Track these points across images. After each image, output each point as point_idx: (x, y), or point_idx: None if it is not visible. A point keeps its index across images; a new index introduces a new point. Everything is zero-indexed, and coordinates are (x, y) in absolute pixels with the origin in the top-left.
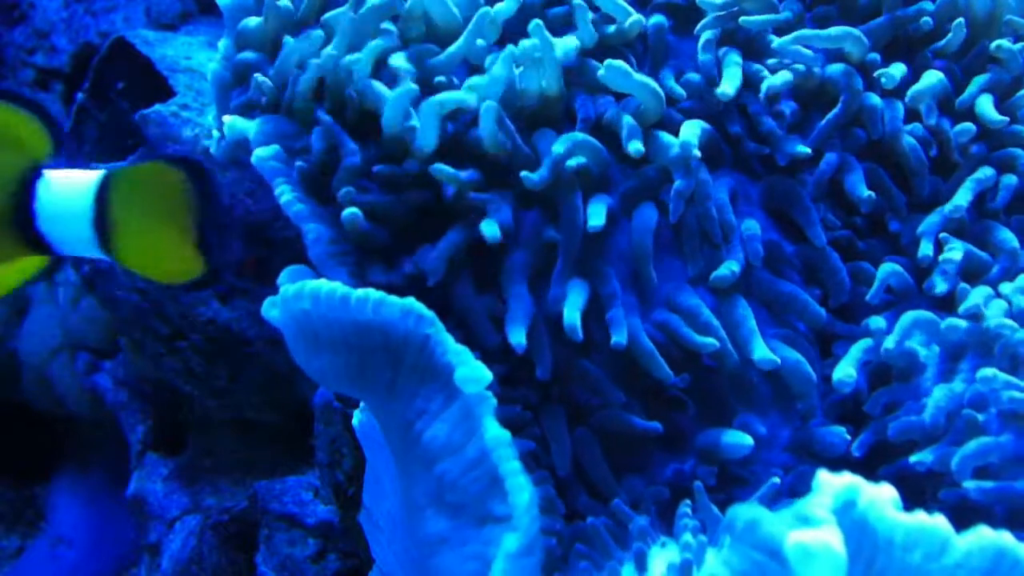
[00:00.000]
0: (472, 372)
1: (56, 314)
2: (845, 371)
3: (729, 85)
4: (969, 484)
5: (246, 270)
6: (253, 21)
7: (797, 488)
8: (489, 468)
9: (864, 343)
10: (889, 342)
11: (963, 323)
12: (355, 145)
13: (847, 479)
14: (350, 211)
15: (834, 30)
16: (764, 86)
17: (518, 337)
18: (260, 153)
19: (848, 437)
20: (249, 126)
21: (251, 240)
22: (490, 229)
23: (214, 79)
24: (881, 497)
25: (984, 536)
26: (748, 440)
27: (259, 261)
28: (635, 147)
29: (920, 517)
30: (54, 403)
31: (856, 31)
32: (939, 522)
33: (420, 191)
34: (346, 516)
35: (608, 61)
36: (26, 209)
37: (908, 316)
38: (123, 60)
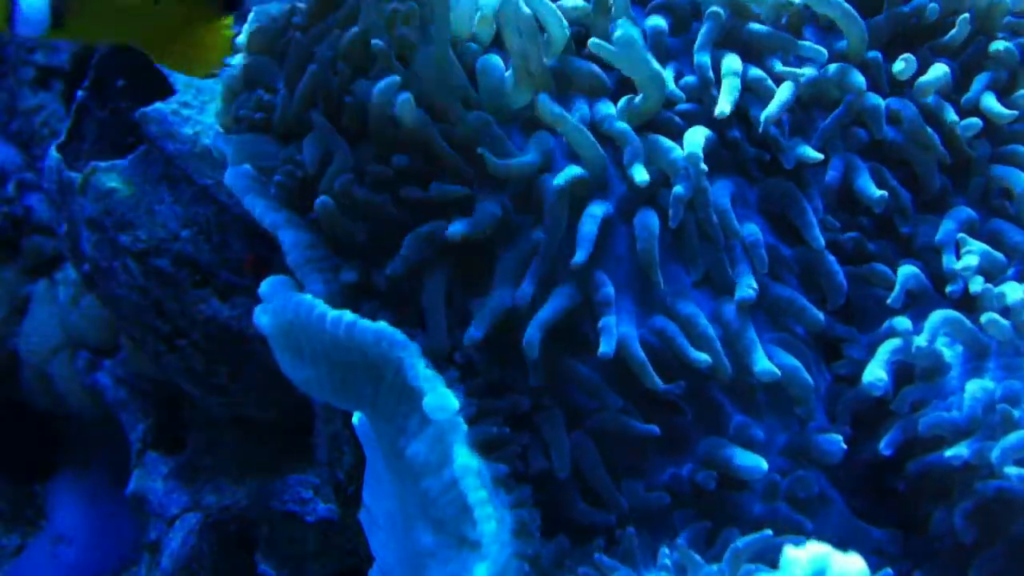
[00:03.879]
0: (439, 401)
1: (56, 313)
2: (875, 374)
3: (726, 103)
4: (1011, 470)
5: (247, 268)
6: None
7: (795, 492)
8: (460, 494)
9: (891, 343)
10: (921, 340)
11: (1002, 319)
12: (347, 148)
13: (815, 550)
14: (322, 199)
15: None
16: (763, 117)
17: (476, 331)
18: (232, 172)
19: (844, 446)
20: (229, 145)
21: (252, 238)
22: (454, 228)
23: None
24: (851, 570)
25: None
26: (763, 464)
27: (260, 259)
28: (640, 177)
29: None
30: (54, 401)
31: (849, 7)
32: None
33: (410, 188)
34: (346, 514)
35: (618, 35)
36: None
37: (937, 315)
38: (123, 58)
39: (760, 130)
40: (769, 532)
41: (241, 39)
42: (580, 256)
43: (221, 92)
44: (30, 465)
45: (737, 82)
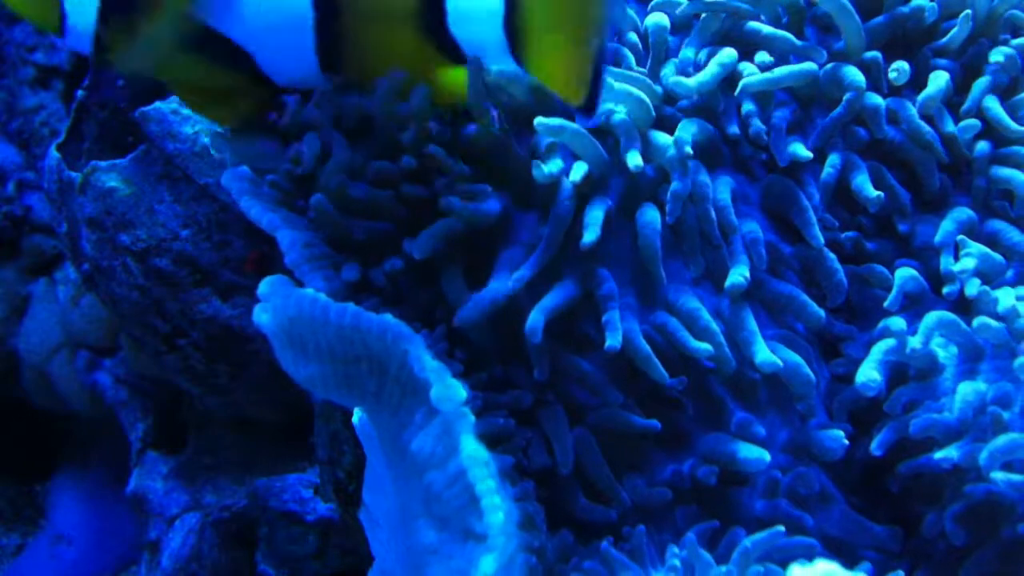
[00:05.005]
0: (446, 391)
1: (56, 312)
2: (868, 375)
3: (694, 80)
4: (998, 476)
5: (247, 267)
6: None
7: (796, 488)
8: (467, 485)
9: (885, 343)
10: (915, 342)
11: (995, 323)
12: (345, 143)
13: (823, 568)
14: (317, 197)
15: None
16: (741, 84)
17: (465, 312)
18: (228, 174)
19: (846, 442)
20: (227, 146)
21: (253, 237)
22: (480, 207)
23: None
24: None
25: None
26: (765, 456)
27: (261, 257)
28: (633, 162)
29: None
30: (54, 401)
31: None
32: None
33: (413, 186)
34: (346, 513)
35: None
36: (437, 8)
37: (932, 316)
38: None
39: (735, 93)
40: (780, 528)
41: None
42: (589, 236)
43: None
44: (30, 465)
45: (717, 69)
